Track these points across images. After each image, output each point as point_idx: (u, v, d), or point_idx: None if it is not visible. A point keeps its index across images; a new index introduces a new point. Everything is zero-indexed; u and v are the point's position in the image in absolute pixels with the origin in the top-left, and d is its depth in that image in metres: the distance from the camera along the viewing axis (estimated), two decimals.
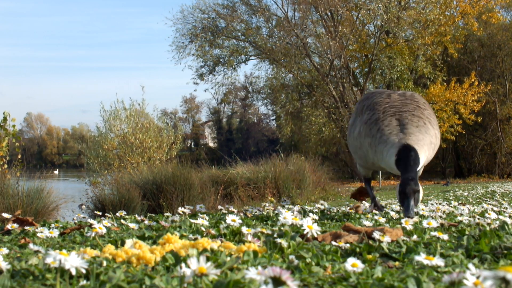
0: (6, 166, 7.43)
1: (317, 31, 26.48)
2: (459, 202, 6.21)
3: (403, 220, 2.34)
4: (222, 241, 2.04)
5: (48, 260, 1.36)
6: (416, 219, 3.20)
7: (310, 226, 2.01)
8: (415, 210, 3.37)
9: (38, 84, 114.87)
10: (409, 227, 2.32)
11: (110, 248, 1.85)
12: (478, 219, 2.90)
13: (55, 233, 2.38)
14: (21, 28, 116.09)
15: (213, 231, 2.41)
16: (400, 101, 3.84)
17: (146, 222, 3.27)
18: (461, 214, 3.53)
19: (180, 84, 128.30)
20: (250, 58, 28.63)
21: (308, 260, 1.72)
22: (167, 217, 3.70)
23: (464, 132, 26.29)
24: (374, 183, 19.13)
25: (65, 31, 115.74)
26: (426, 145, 3.55)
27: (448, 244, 2.08)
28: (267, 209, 3.72)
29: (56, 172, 29.17)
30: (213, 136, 64.35)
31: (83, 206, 8.19)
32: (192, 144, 63.51)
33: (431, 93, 25.50)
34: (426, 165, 3.99)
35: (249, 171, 10.42)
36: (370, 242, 2.01)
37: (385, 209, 4.04)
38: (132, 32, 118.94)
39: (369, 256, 1.81)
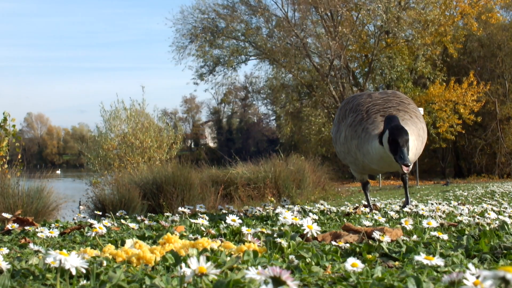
0: (6, 166, 7.43)
1: (317, 31, 26.48)
2: (459, 202, 6.22)
3: (403, 220, 2.35)
4: (222, 241, 2.04)
5: (48, 260, 1.37)
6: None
7: (310, 226, 2.01)
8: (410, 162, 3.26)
9: (38, 84, 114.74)
10: (409, 227, 2.32)
11: (110, 248, 1.85)
12: (478, 219, 2.90)
13: (55, 233, 2.38)
14: (21, 28, 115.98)
15: (213, 231, 2.42)
16: (383, 99, 3.80)
17: (146, 222, 3.27)
18: (461, 214, 3.53)
19: (180, 84, 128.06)
20: (250, 58, 28.67)
21: (308, 260, 1.73)
22: (167, 217, 3.71)
23: (464, 132, 26.30)
24: (374, 183, 19.11)
25: (65, 32, 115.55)
26: (414, 135, 3.51)
27: (448, 244, 2.08)
28: (267, 209, 3.72)
29: (59, 171, 29.23)
30: (213, 136, 64.33)
31: (82, 207, 8.19)
32: (192, 144, 63.51)
33: (430, 93, 25.51)
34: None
35: (249, 171, 10.42)
36: (370, 242, 2.01)
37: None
38: (132, 33, 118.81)
39: (369, 256, 1.81)
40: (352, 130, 3.69)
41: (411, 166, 3.20)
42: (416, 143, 3.51)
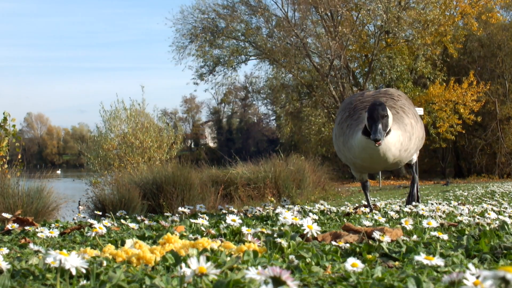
0: (6, 166, 7.42)
1: (317, 31, 26.47)
2: (459, 202, 6.22)
3: (403, 220, 2.35)
4: (222, 241, 2.04)
5: (48, 260, 1.37)
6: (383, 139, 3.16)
7: (310, 226, 2.01)
8: (383, 137, 3.24)
9: (38, 84, 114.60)
10: (409, 227, 2.32)
11: (110, 248, 1.85)
12: (478, 219, 2.90)
13: (55, 233, 2.39)
14: (21, 28, 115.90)
15: (213, 231, 2.42)
16: (373, 96, 3.83)
17: (146, 222, 3.27)
18: (461, 214, 3.53)
19: (180, 84, 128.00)
20: (250, 58, 28.65)
21: (308, 260, 1.72)
22: (167, 217, 3.71)
23: (464, 132, 26.29)
24: (374, 183, 19.11)
25: (65, 32, 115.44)
26: (400, 130, 3.50)
27: (448, 244, 2.08)
28: (267, 209, 3.72)
29: (59, 172, 29.33)
30: (213, 136, 64.35)
31: (81, 207, 8.16)
32: (192, 144, 63.51)
33: (430, 93, 25.50)
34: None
35: (249, 171, 10.41)
36: (370, 242, 2.01)
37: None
38: (132, 33, 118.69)
39: (369, 256, 1.81)
40: (339, 128, 3.74)
41: (384, 143, 3.20)
42: (401, 138, 3.48)
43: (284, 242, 1.92)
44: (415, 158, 4.08)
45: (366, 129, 3.36)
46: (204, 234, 2.40)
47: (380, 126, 3.18)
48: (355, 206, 4.42)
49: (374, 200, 5.56)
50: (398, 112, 3.62)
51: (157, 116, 15.65)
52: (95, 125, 15.62)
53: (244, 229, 2.21)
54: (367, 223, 2.85)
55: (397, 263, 1.77)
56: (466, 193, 9.58)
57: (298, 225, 2.20)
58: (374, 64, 26.07)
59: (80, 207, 8.05)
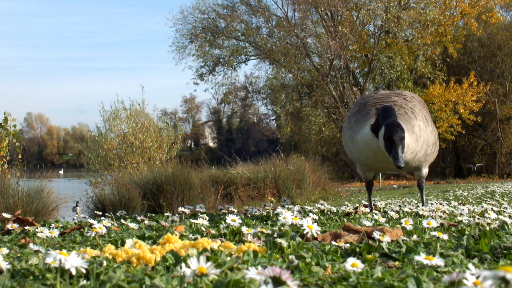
0: (6, 166, 7.43)
1: (317, 31, 26.47)
2: (459, 202, 6.21)
3: (403, 220, 2.35)
4: (222, 241, 2.04)
5: (48, 260, 1.37)
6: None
7: (310, 226, 2.01)
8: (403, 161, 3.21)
9: (38, 84, 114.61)
10: (409, 227, 2.32)
11: (110, 248, 1.85)
12: (478, 219, 2.90)
13: (55, 233, 2.39)
14: (21, 28, 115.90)
15: (213, 231, 2.42)
16: (385, 94, 3.81)
17: (146, 222, 3.27)
18: (461, 214, 3.53)
19: (180, 84, 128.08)
20: (250, 58, 28.64)
21: (308, 260, 1.72)
22: (167, 217, 3.71)
23: (464, 132, 26.28)
24: (374, 183, 19.11)
25: (65, 32, 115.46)
26: (408, 131, 3.43)
27: (448, 244, 2.08)
28: (267, 209, 3.72)
29: (61, 172, 29.46)
30: (213, 136, 64.38)
31: (78, 208, 8.11)
32: (192, 144, 63.53)
33: (430, 93, 25.49)
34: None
35: (249, 171, 10.41)
36: (370, 242, 2.01)
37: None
38: (132, 33, 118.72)
39: (369, 256, 1.81)
40: (347, 121, 3.74)
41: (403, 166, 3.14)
42: (408, 140, 3.40)
43: (284, 242, 1.92)
44: (424, 172, 3.92)
45: (374, 126, 3.32)
46: (204, 234, 2.40)
47: (399, 149, 3.12)
48: (355, 206, 4.41)
49: (374, 200, 5.57)
50: (407, 113, 3.59)
51: (157, 116, 15.66)
52: (95, 125, 15.62)
53: (244, 229, 2.21)
54: (367, 223, 2.85)
55: (397, 263, 1.77)
56: (466, 193, 9.58)
57: (298, 225, 2.20)
58: (374, 64, 26.07)
59: (77, 207, 8.00)
